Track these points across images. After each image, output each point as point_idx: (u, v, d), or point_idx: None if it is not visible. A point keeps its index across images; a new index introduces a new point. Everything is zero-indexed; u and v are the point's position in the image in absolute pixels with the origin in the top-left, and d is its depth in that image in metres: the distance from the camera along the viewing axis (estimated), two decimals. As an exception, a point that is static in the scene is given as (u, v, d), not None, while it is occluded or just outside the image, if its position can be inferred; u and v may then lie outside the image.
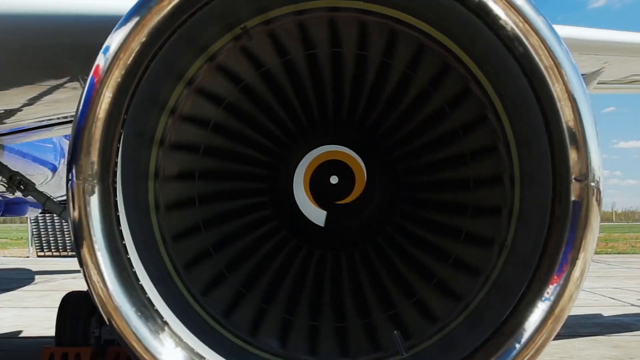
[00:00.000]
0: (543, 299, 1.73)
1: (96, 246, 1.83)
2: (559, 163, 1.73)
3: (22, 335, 8.40)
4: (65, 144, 8.43)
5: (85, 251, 1.82)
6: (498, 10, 1.71)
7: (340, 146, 2.47)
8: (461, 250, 2.35)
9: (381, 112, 2.44)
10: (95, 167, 1.85)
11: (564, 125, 1.69)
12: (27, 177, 6.08)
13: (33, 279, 16.91)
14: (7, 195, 9.10)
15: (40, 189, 6.39)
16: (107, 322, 1.86)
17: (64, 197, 2.38)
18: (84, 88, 1.87)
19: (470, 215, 2.38)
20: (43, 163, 8.20)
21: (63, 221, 21.29)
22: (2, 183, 5.96)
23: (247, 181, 2.57)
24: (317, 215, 2.45)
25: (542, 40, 1.69)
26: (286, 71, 2.39)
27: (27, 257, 28.07)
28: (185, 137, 2.42)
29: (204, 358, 1.92)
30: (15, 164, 6.40)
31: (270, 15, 2.19)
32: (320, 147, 2.46)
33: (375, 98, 2.42)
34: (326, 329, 2.40)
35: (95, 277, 1.82)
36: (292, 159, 2.48)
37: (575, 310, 1.80)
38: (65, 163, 2.16)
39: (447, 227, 2.45)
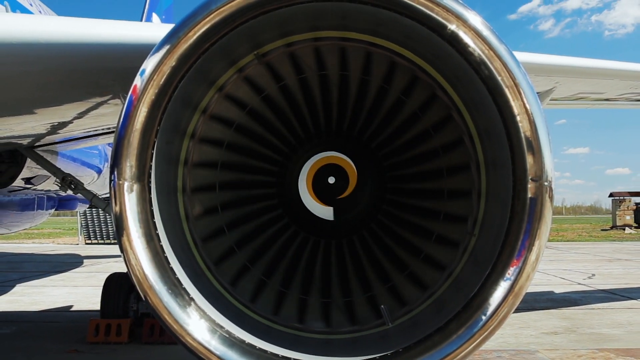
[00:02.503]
0: (505, 278, 1.73)
1: (134, 235, 1.83)
2: (518, 166, 1.74)
3: (72, 309, 8.39)
4: (109, 151, 8.43)
5: (125, 239, 1.83)
6: (467, 39, 1.71)
7: (333, 152, 2.47)
8: (442, 228, 2.37)
9: (365, 121, 2.47)
10: (134, 169, 1.86)
11: (522, 135, 1.70)
12: (77, 177, 6.08)
13: (82, 263, 16.89)
14: (60, 193, 9.11)
15: (88, 188, 6.39)
16: (143, 298, 1.87)
17: (108, 195, 2.39)
18: (123, 104, 1.87)
19: (447, 198, 2.41)
20: (90, 166, 8.20)
21: (107, 214, 21.27)
22: (56, 183, 5.96)
23: (259, 188, 2.57)
24: (320, 210, 2.44)
25: (504, 64, 1.69)
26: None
27: (77, 244, 28.01)
28: (205, 155, 2.45)
29: (223, 327, 1.92)
30: (67, 167, 6.40)
31: (290, 39, 2.21)
32: (318, 154, 2.46)
33: (359, 109, 2.44)
34: (337, 304, 2.41)
35: (133, 261, 1.83)
36: (295, 165, 2.48)
37: (531, 288, 1.79)
38: (109, 166, 2.15)
39: (428, 210, 2.47)
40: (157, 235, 1.94)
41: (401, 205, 2.49)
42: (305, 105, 2.42)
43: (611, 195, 39.79)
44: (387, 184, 2.49)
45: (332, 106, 2.43)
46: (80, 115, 4.22)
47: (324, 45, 2.29)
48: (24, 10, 5.26)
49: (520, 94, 1.68)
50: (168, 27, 1.99)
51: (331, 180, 2.43)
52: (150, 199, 1.94)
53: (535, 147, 1.69)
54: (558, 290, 9.92)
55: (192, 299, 1.93)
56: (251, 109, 2.42)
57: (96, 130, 5.54)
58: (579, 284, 10.98)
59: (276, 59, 2.30)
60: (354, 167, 2.42)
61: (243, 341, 1.91)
